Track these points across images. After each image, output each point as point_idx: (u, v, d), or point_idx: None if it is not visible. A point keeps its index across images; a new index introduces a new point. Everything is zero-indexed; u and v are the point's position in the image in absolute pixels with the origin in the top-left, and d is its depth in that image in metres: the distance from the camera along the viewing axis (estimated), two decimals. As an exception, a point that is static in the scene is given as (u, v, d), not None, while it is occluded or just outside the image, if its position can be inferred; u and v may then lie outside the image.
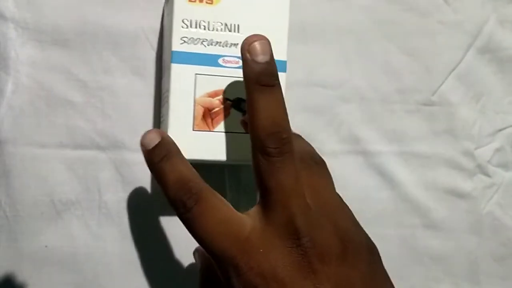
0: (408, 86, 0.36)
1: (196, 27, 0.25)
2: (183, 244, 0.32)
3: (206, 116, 0.25)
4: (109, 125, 0.31)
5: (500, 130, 0.38)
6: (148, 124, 0.31)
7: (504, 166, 0.38)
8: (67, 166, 0.30)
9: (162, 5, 0.32)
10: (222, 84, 0.25)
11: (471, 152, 0.37)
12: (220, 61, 0.25)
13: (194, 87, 0.25)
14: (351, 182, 0.35)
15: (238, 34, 0.25)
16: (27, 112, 0.30)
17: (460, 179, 0.36)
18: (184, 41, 0.25)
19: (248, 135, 0.23)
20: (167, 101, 0.25)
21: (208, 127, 0.25)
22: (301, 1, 0.34)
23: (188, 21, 0.25)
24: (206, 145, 0.25)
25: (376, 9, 0.35)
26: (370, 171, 0.35)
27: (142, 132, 0.31)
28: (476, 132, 0.37)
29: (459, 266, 0.36)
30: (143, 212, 0.32)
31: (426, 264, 0.36)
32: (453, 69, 0.36)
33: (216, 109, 0.25)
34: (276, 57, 0.23)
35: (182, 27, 0.25)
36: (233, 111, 0.25)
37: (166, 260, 0.32)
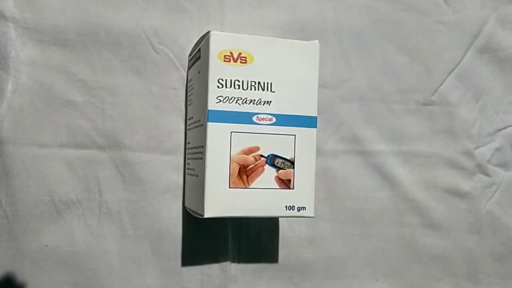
0: (408, 85, 0.36)
1: (231, 87, 0.25)
2: (183, 244, 0.32)
3: (242, 173, 0.25)
4: (110, 124, 0.31)
5: (500, 129, 0.38)
6: (148, 124, 0.31)
7: (503, 165, 0.38)
8: (68, 166, 0.30)
9: (162, 4, 0.32)
10: (256, 141, 0.26)
11: (470, 152, 0.37)
12: (254, 118, 0.26)
13: (229, 145, 0.25)
14: (351, 181, 0.35)
15: (270, 92, 0.26)
16: (28, 111, 0.30)
17: (460, 178, 0.36)
18: (220, 100, 0.25)
19: (282, 191, 0.25)
20: (203, 158, 0.26)
21: (244, 184, 0.25)
22: (301, 1, 0.34)
23: (223, 80, 0.25)
24: (242, 202, 0.25)
25: (376, 9, 0.35)
26: (370, 170, 0.35)
27: (142, 132, 0.31)
28: (475, 132, 0.37)
29: (459, 266, 0.36)
30: (143, 212, 0.32)
31: (426, 264, 0.36)
32: (453, 69, 0.36)
33: (251, 166, 0.26)
34: (306, 113, 0.26)
35: (218, 86, 0.25)
36: (267, 167, 0.26)
37: (166, 259, 0.32)
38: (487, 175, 0.37)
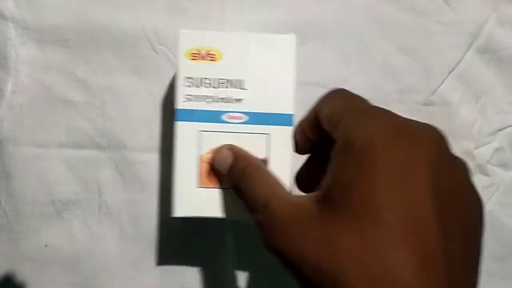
0: (407, 86, 0.36)
1: (199, 85, 0.25)
2: (183, 244, 0.32)
3: (211, 173, 0.25)
4: (109, 124, 0.31)
5: (500, 129, 0.38)
6: (148, 124, 0.31)
7: (503, 165, 0.38)
8: (67, 166, 0.30)
9: (162, 4, 0.32)
10: (226, 140, 0.25)
11: (470, 152, 0.37)
12: (224, 117, 0.25)
13: (199, 144, 0.25)
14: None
15: (241, 89, 0.25)
16: (27, 112, 0.30)
17: (460, 178, 0.36)
18: (188, 99, 0.25)
19: None
20: (172, 158, 0.25)
21: (213, 184, 0.25)
22: (301, 1, 0.34)
23: (191, 79, 0.25)
24: (211, 202, 0.25)
25: (376, 9, 0.35)
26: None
27: (142, 132, 0.31)
28: (475, 132, 0.37)
29: (459, 266, 0.36)
30: (143, 212, 0.32)
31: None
32: (453, 69, 0.36)
33: None
34: (282, 111, 0.25)
35: (186, 85, 0.25)
36: None
37: (166, 259, 0.32)
38: (487, 175, 0.37)
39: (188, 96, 0.25)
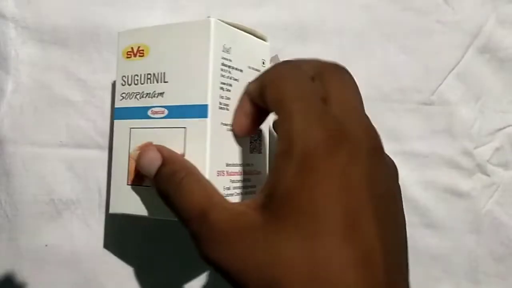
0: (407, 85, 0.36)
1: (131, 82, 0.25)
2: (183, 244, 0.32)
3: (139, 171, 0.24)
4: (109, 124, 0.31)
5: (500, 129, 0.38)
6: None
7: (503, 165, 0.38)
8: (67, 166, 0.30)
9: (162, 4, 0.32)
10: (149, 136, 0.24)
11: (470, 152, 0.37)
12: (149, 112, 0.24)
13: (130, 142, 0.25)
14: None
15: (163, 83, 0.24)
16: (27, 111, 0.30)
17: (460, 178, 0.36)
18: (123, 97, 0.25)
19: None
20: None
21: (140, 181, 0.24)
22: (301, 1, 0.34)
23: (126, 77, 0.25)
24: (142, 200, 0.24)
25: (375, 9, 0.35)
26: (369, 170, 0.35)
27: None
28: (475, 132, 0.37)
29: (459, 265, 0.36)
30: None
31: (426, 263, 0.36)
32: (453, 69, 0.36)
33: None
34: (197, 101, 0.23)
35: (122, 84, 0.25)
36: None
37: (166, 259, 0.32)
38: (487, 174, 0.37)
39: (123, 95, 0.25)
